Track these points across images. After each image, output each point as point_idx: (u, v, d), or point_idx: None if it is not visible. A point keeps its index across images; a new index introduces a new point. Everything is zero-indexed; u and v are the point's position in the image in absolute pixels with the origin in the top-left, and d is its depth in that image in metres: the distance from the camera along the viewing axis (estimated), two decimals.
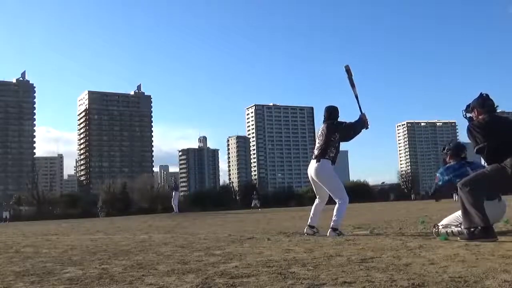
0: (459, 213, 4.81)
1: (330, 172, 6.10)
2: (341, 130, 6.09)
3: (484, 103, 4.77)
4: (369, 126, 6.18)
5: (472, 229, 4.44)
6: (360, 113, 6.16)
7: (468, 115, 4.90)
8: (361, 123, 6.14)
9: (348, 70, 6.30)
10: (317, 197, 6.30)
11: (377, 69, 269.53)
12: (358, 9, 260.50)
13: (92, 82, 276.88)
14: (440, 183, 5.57)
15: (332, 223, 5.90)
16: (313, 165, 6.15)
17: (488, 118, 4.68)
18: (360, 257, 3.68)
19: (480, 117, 4.76)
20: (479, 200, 4.47)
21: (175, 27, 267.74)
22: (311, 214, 6.24)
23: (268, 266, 3.43)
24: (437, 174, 5.72)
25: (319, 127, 6.39)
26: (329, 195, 6.22)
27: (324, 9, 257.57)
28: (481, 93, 4.86)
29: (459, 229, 4.80)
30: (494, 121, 4.68)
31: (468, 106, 4.89)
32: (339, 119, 6.22)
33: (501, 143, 4.55)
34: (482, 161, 4.92)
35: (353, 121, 6.16)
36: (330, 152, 6.07)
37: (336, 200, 6.04)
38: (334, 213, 5.94)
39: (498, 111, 4.99)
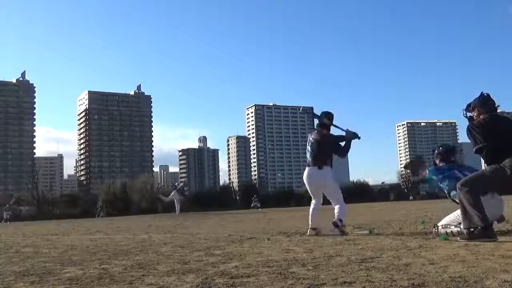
0: (458, 212, 4.82)
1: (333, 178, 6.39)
2: (336, 147, 6.33)
3: (485, 102, 4.76)
4: (360, 136, 6.33)
5: (471, 229, 4.44)
6: (344, 131, 6.31)
7: (469, 114, 4.88)
8: (348, 139, 6.30)
9: (308, 112, 6.65)
10: (314, 199, 6.46)
11: (377, 69, 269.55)
12: (358, 9, 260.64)
13: (92, 82, 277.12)
14: (426, 177, 5.63)
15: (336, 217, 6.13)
16: (313, 171, 6.35)
17: (488, 118, 4.68)
18: (360, 257, 3.68)
19: (480, 117, 4.75)
20: (478, 200, 4.47)
21: (175, 27, 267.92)
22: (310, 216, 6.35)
23: (268, 266, 3.43)
24: (426, 170, 5.77)
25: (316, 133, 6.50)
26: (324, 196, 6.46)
27: (324, 9, 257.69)
28: (482, 93, 4.85)
29: (459, 229, 4.80)
30: (494, 121, 4.67)
31: (468, 105, 4.88)
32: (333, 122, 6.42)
33: (501, 143, 4.55)
34: (482, 162, 4.93)
35: (341, 141, 6.33)
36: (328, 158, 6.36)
37: (336, 205, 6.29)
38: (337, 211, 6.16)
39: (498, 111, 5.00)
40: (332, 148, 6.29)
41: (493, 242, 4.23)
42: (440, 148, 5.81)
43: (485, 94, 4.82)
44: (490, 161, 4.60)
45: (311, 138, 6.40)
